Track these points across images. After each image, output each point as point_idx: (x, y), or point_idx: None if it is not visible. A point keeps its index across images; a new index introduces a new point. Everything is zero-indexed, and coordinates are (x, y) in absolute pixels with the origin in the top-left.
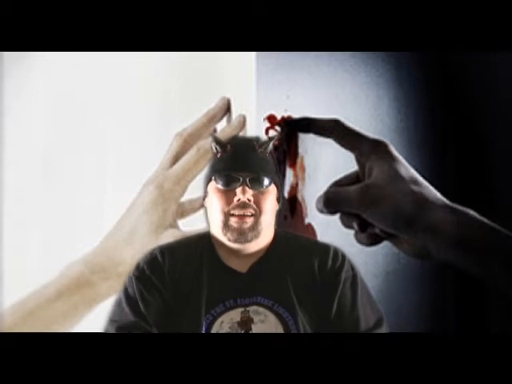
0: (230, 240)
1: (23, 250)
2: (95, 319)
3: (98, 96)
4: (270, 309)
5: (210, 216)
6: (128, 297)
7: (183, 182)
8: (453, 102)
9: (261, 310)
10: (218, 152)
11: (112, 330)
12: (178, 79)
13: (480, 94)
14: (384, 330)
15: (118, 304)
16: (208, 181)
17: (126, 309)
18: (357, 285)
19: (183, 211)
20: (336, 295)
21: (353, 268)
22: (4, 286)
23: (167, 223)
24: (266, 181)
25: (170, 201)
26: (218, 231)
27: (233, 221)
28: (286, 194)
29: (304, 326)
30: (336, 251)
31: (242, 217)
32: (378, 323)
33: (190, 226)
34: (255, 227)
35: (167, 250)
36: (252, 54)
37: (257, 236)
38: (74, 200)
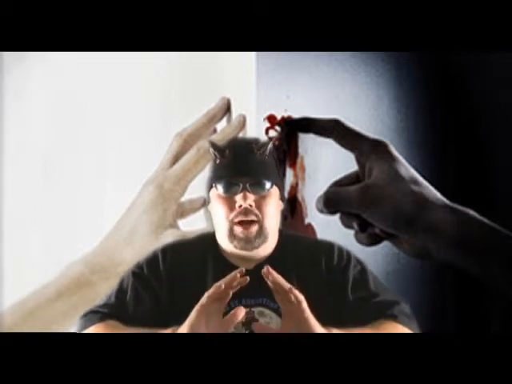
0: (236, 247)
1: (23, 250)
2: None
3: (98, 96)
4: (276, 311)
5: (214, 223)
6: (121, 288)
7: (183, 182)
8: (453, 102)
9: (266, 312)
10: (216, 158)
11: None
12: (177, 79)
13: (480, 94)
14: (405, 307)
15: (110, 293)
16: (209, 188)
17: (113, 295)
18: (367, 276)
19: (183, 211)
20: (347, 292)
21: (360, 262)
22: (4, 286)
23: (167, 223)
24: (267, 184)
25: (170, 201)
26: (224, 239)
27: (238, 230)
28: (285, 194)
29: None
30: (340, 249)
31: (246, 226)
32: (397, 302)
33: (190, 225)
34: (261, 233)
35: (171, 250)
36: (252, 54)
37: (264, 241)
38: (73, 200)
